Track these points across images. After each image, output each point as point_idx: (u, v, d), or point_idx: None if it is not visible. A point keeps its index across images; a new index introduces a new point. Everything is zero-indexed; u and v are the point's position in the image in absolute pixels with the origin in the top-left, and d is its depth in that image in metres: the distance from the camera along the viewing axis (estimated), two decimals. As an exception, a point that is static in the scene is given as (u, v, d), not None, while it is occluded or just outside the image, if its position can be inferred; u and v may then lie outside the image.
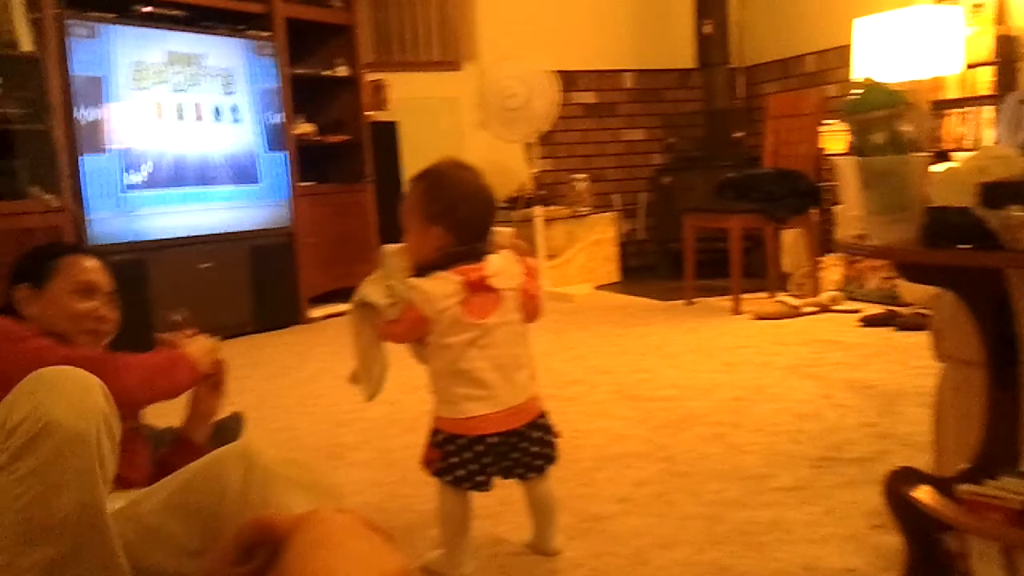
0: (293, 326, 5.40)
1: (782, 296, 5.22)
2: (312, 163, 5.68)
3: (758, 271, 5.68)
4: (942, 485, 1.59)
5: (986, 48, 5.25)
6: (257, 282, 5.29)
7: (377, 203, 6.01)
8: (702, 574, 1.91)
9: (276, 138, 5.43)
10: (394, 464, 2.76)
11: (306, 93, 5.71)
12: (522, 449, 1.93)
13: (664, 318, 5.08)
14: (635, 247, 7.19)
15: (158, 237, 4.79)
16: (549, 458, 1.98)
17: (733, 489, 2.40)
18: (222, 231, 5.11)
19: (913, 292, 4.79)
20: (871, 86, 1.43)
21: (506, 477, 1.97)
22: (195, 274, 4.96)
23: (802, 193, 5.07)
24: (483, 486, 1.92)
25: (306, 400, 3.65)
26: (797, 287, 5.57)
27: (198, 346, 1.96)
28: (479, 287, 1.89)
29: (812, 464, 2.55)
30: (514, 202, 6.51)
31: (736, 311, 5.04)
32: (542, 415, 1.98)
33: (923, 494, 1.56)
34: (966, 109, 5.39)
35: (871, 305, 5.01)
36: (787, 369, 3.70)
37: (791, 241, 6.09)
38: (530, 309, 1.99)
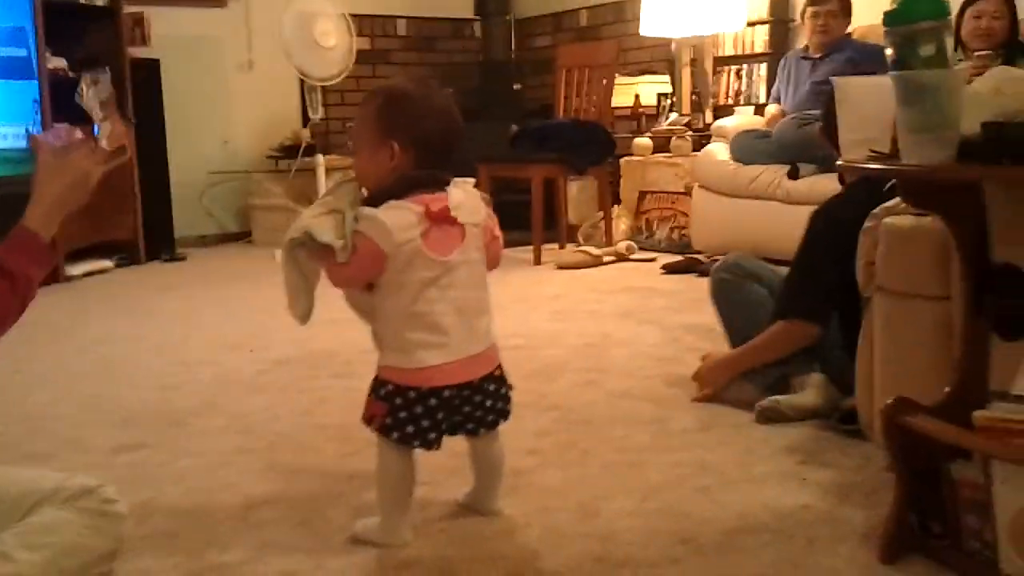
0: (52, 284, 4.77)
1: (580, 246, 5.23)
2: (66, 102, 5.01)
3: (546, 223, 5.65)
4: (937, 414, 1.58)
5: (762, 7, 5.49)
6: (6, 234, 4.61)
7: (138, 147, 5.42)
8: (665, 523, 1.80)
9: (24, 74, 4.75)
10: (254, 429, 2.45)
11: (59, 24, 5.02)
12: (475, 403, 1.72)
13: (464, 270, 4.94)
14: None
15: None
16: (504, 412, 1.78)
17: (640, 434, 2.32)
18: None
19: (703, 241, 4.95)
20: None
21: (453, 433, 1.76)
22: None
23: (601, 143, 5.10)
24: (433, 444, 1.69)
25: (110, 365, 3.20)
26: (585, 238, 5.61)
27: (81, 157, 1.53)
28: (441, 219, 1.66)
29: (702, 406, 2.52)
30: (289, 150, 6.12)
31: (537, 262, 5.00)
32: (499, 367, 1.78)
33: (930, 424, 1.53)
34: (742, 66, 5.64)
35: (662, 254, 5.14)
36: (620, 316, 3.68)
37: (575, 192, 6.14)
38: (492, 252, 1.78)
